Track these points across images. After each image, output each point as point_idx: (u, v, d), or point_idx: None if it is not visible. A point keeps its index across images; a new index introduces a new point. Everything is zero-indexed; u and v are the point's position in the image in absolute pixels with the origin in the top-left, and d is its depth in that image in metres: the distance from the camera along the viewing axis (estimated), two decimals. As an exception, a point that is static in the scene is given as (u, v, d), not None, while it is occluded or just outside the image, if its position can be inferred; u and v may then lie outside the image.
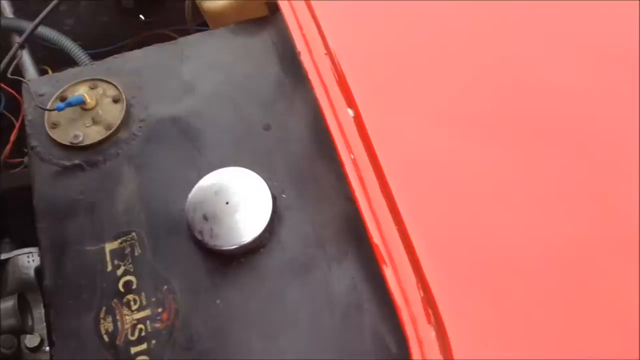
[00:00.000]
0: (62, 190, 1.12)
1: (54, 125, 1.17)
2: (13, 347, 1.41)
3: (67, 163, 1.14)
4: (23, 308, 1.45)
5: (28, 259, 1.61)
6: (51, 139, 1.16)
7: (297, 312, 0.95)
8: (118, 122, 1.15)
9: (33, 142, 1.17)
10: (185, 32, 1.70)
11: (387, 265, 0.87)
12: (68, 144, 1.14)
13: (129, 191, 1.10)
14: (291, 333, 0.94)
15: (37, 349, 1.46)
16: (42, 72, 1.61)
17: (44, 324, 1.50)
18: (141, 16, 1.70)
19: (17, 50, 1.28)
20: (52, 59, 1.64)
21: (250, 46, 1.20)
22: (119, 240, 1.06)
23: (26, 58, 1.47)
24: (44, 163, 1.15)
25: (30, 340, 1.45)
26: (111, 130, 1.14)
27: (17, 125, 1.58)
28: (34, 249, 1.61)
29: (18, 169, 1.63)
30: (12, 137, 1.58)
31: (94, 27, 1.65)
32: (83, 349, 0.98)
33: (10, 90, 1.58)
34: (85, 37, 1.57)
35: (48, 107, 1.18)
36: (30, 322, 1.47)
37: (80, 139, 1.14)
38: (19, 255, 1.61)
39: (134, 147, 1.14)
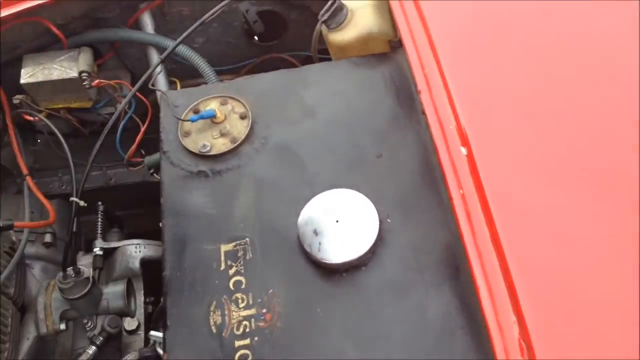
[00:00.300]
0: (188, 192, 1.24)
1: (186, 134, 1.30)
2: (117, 327, 1.54)
3: (194, 169, 1.26)
4: (129, 293, 1.59)
5: (135, 249, 1.75)
6: (182, 146, 1.29)
7: (392, 330, 1.01)
8: (243, 137, 1.27)
9: (165, 148, 1.31)
10: (304, 59, 1.83)
11: (485, 297, 0.92)
12: (197, 152, 1.27)
13: (247, 200, 1.20)
14: (384, 349, 1.00)
15: (134, 332, 1.58)
16: (170, 84, 1.77)
17: (142, 309, 1.63)
18: (256, 38, 1.83)
19: (159, 64, 1.43)
20: (180, 72, 1.79)
21: (370, 79, 1.30)
22: (234, 243, 1.16)
23: (161, 71, 1.63)
24: (174, 167, 1.28)
25: (130, 324, 1.58)
26: (236, 144, 1.26)
27: (143, 129, 1.74)
28: (141, 241, 1.75)
29: (137, 168, 1.78)
30: (138, 139, 1.73)
31: (221, 46, 1.80)
32: (193, 335, 1.09)
33: (141, 97, 1.74)
34: (211, 54, 1.71)
35: (182, 117, 1.31)
36: (133, 307, 1.60)
37: (208, 148, 1.27)
38: (128, 245, 1.76)
39: (254, 161, 1.25)
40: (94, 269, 1.77)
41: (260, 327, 1.07)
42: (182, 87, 1.81)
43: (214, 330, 1.09)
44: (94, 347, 1.50)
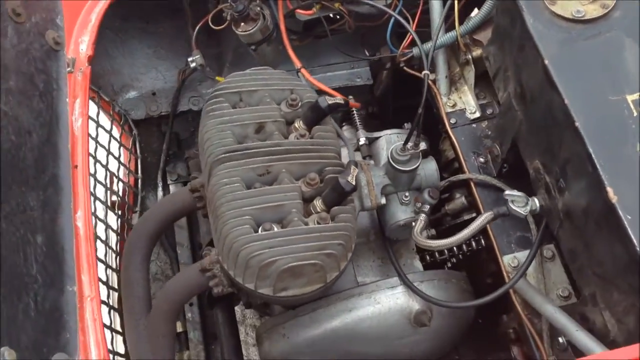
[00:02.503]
0: (570, 53, 1.34)
1: (552, 3, 1.39)
2: (437, 199, 1.65)
3: (570, 33, 1.36)
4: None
5: (397, 137, 1.84)
6: (552, 12, 1.38)
7: None
8: (613, 3, 1.37)
9: (531, 18, 1.39)
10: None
11: None
12: (570, 17, 1.37)
13: (634, 58, 1.32)
14: None
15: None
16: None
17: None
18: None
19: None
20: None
21: None
22: (639, 93, 1.28)
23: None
24: (547, 32, 1.37)
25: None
26: (608, 9, 1.36)
27: (414, 24, 1.82)
28: (400, 130, 1.86)
29: (405, 58, 1.88)
30: (410, 34, 1.82)
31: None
32: (629, 174, 1.21)
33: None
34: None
35: (544, -13, 1.40)
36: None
37: (583, 14, 1.37)
38: (390, 134, 1.86)
39: (628, 23, 1.35)
40: (363, 157, 1.87)
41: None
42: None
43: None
44: (423, 216, 1.61)
